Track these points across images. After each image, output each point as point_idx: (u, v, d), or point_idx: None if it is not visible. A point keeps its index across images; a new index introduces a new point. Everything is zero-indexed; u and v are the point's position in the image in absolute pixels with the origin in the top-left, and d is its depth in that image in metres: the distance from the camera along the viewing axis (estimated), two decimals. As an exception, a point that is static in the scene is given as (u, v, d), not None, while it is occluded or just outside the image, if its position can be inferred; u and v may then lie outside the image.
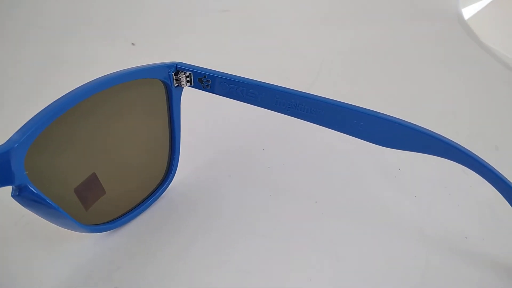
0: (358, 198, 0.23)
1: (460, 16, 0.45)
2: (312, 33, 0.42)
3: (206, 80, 0.21)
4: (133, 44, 0.40)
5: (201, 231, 0.21)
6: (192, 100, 0.24)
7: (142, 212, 0.22)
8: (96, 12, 0.45)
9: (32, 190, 0.15)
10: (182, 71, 0.21)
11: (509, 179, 0.23)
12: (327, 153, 0.26)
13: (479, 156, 0.18)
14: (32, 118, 0.15)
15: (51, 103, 0.16)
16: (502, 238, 0.20)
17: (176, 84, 0.21)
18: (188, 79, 0.21)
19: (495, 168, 0.18)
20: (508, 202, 0.18)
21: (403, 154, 0.24)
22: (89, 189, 0.19)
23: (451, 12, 0.46)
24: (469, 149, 0.26)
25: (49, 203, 0.16)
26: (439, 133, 0.18)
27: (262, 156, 0.26)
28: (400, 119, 0.18)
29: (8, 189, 0.14)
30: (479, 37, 0.42)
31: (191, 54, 0.38)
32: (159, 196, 0.22)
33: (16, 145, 0.14)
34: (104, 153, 0.20)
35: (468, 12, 0.45)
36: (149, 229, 0.21)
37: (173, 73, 0.21)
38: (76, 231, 0.19)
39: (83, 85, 0.17)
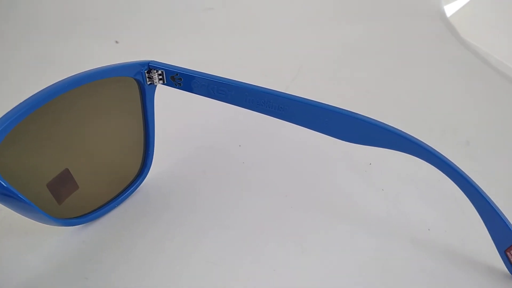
0: (327, 192, 0.24)
1: (442, 14, 0.46)
2: (296, 32, 0.43)
3: (178, 78, 0.22)
4: (116, 42, 0.41)
5: (174, 224, 0.21)
6: (171, 98, 0.24)
7: (116, 206, 0.22)
8: (81, 10, 0.45)
9: (2, 184, 0.16)
10: (154, 69, 0.22)
11: (477, 173, 0.24)
12: (301, 149, 0.27)
13: (444, 153, 0.19)
14: (4, 114, 0.16)
15: (24, 100, 0.17)
16: (464, 230, 0.21)
17: (149, 82, 0.22)
18: (160, 77, 0.22)
19: (456, 164, 0.18)
20: (466, 196, 0.19)
21: (375, 150, 0.25)
22: (62, 184, 0.20)
23: (433, 9, 0.47)
24: (441, 143, 0.27)
25: (20, 197, 0.16)
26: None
27: (238, 152, 0.27)
28: (364, 116, 0.19)
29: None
30: (460, 34, 0.43)
31: (175, 51, 0.39)
32: (134, 191, 0.23)
33: (-14, 141, 0.15)
34: (78, 149, 0.20)
35: (450, 10, 0.46)
36: (123, 223, 0.21)
37: (145, 71, 0.21)
38: (49, 224, 0.19)
39: (55, 83, 0.18)
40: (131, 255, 0.20)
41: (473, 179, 0.18)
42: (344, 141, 0.20)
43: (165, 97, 0.24)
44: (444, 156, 0.18)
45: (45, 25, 0.43)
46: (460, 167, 0.19)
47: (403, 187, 0.24)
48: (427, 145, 0.18)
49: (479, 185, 0.19)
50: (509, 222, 0.18)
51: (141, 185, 0.24)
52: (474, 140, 0.28)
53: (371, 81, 0.36)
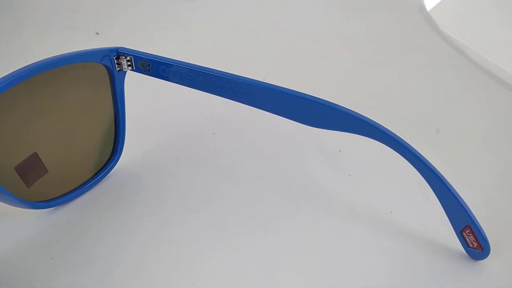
0: (295, 177, 0.24)
1: (422, 7, 0.46)
2: (275, 24, 0.44)
3: (147, 64, 0.22)
4: (97, 33, 0.41)
5: (144, 209, 0.22)
6: (147, 86, 0.25)
7: (86, 191, 0.23)
8: (61, 2, 0.46)
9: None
10: (123, 55, 0.22)
11: (443, 159, 0.25)
12: (274, 137, 0.28)
13: (412, 140, 0.19)
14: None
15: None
16: (425, 213, 0.22)
17: (118, 68, 0.22)
18: (129, 63, 0.22)
19: (417, 150, 0.19)
20: (423, 177, 0.19)
21: (345, 138, 0.26)
22: (30, 168, 0.20)
23: (413, 3, 0.47)
24: (411, 132, 0.28)
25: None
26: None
27: (211, 140, 0.27)
28: (324, 101, 0.20)
29: None
30: (439, 27, 0.44)
31: (156, 43, 0.39)
32: (105, 176, 0.24)
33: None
34: (47, 134, 0.21)
35: (430, 3, 0.47)
36: (93, 207, 0.22)
37: (114, 57, 0.22)
38: (17, 207, 0.20)
39: (23, 67, 0.18)
40: (99, 237, 0.20)
41: (435, 164, 0.19)
42: (319, 129, 0.20)
43: (140, 85, 0.25)
44: (403, 140, 0.19)
45: (25, 17, 0.43)
46: (428, 154, 0.19)
47: (370, 173, 0.25)
48: (385, 128, 0.19)
49: (445, 171, 0.19)
50: (465, 203, 0.19)
51: (112, 171, 0.24)
52: (444, 129, 0.29)
53: (347, 72, 0.36)
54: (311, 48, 0.40)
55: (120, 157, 0.24)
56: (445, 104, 0.32)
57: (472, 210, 0.19)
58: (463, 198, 0.19)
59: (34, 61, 0.19)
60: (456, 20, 0.44)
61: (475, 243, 0.19)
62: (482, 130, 0.29)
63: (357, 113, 0.19)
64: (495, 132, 0.29)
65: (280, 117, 0.20)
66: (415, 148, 0.19)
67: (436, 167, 0.19)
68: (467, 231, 0.19)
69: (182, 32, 0.42)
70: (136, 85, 0.29)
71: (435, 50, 0.40)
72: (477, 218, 0.19)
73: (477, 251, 0.19)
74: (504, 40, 0.39)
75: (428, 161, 0.19)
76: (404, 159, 0.19)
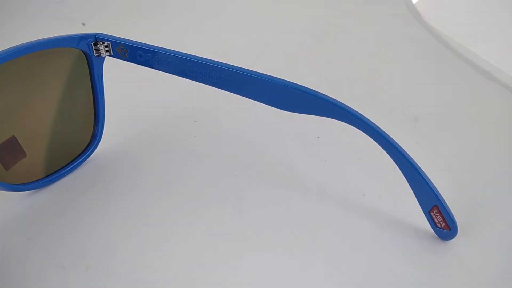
0: (273, 162, 0.25)
1: (408, -1, 0.47)
2: (259, 15, 0.44)
3: (124, 50, 0.22)
4: (83, 24, 0.41)
5: (121, 193, 0.22)
6: (129, 73, 0.25)
7: (65, 175, 0.23)
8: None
9: None
10: (101, 41, 0.22)
11: (419, 145, 0.25)
12: (255, 124, 0.28)
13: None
14: None
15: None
16: (397, 196, 0.22)
17: (96, 54, 0.23)
18: (107, 48, 0.23)
19: (388, 134, 0.19)
20: (392, 159, 0.20)
21: (324, 125, 0.26)
22: (8, 151, 0.21)
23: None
24: (389, 119, 0.28)
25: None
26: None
27: (192, 127, 0.28)
28: (297, 84, 0.20)
29: None
30: (423, 18, 0.44)
31: (142, 33, 0.39)
32: (83, 161, 0.24)
33: None
34: (25, 118, 0.21)
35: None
36: (70, 190, 0.22)
37: (92, 43, 0.22)
38: (-5, 189, 0.20)
39: (1, 51, 0.19)
40: (75, 219, 0.21)
41: (410, 149, 0.19)
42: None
43: (123, 72, 0.25)
44: (372, 122, 0.19)
45: (10, 7, 0.43)
46: (405, 140, 0.20)
47: (346, 158, 0.25)
48: (356, 111, 0.19)
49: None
50: (432, 184, 0.19)
51: (91, 156, 0.24)
52: (422, 116, 0.30)
53: (329, 62, 0.37)
54: (295, 38, 0.40)
55: (99, 142, 0.25)
56: (425, 93, 0.33)
57: (444, 193, 0.19)
58: (436, 181, 0.19)
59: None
60: (441, 12, 0.44)
61: (442, 223, 0.20)
62: (459, 118, 0.30)
63: (327, 96, 0.20)
64: (471, 120, 0.30)
65: (261, 104, 0.21)
66: (393, 134, 0.19)
67: (408, 151, 0.19)
68: (434, 211, 0.19)
69: (167, 23, 0.42)
70: (119, 72, 0.30)
71: (419, 41, 0.40)
72: (448, 200, 0.19)
73: (444, 231, 0.20)
74: (487, 31, 0.39)
75: (396, 143, 0.19)
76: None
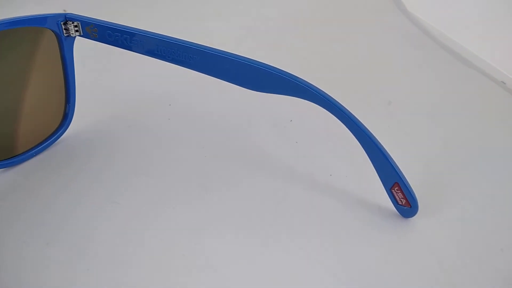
0: (243, 143, 0.25)
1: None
2: (239, 2, 0.44)
3: (93, 29, 0.23)
4: (64, 10, 0.41)
5: (93, 174, 0.23)
6: (104, 54, 0.25)
7: (35, 155, 0.24)
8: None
9: None
10: (70, 21, 0.23)
11: (391, 128, 0.26)
12: (229, 107, 0.28)
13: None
14: None
15: None
16: (364, 176, 0.23)
17: (66, 34, 0.23)
18: (76, 28, 0.23)
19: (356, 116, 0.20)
20: (355, 136, 0.20)
21: (298, 108, 0.27)
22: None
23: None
24: (363, 103, 0.28)
25: None
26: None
27: (166, 110, 0.28)
28: (262, 63, 0.20)
29: None
30: (407, 8, 0.44)
31: (124, 20, 0.40)
32: (54, 141, 0.24)
33: None
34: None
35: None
36: (40, 170, 0.23)
37: (62, 23, 0.22)
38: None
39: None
40: (44, 199, 0.21)
41: (381, 132, 0.20)
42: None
43: (99, 53, 0.25)
44: (334, 99, 0.20)
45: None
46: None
47: (317, 141, 0.26)
48: (317, 87, 0.20)
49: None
50: (393, 161, 0.19)
51: (63, 137, 0.25)
52: (396, 101, 0.30)
53: (310, 49, 0.37)
54: (274, 25, 0.40)
55: (70, 123, 0.25)
56: (402, 79, 0.33)
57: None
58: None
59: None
60: (423, 1, 0.44)
61: (403, 200, 0.20)
62: (434, 103, 0.30)
63: (291, 74, 0.20)
64: (446, 105, 0.30)
65: (237, 88, 0.21)
66: (364, 117, 0.20)
67: (377, 134, 0.19)
68: (395, 188, 0.20)
69: (151, 11, 0.42)
70: (95, 53, 0.30)
71: (400, 30, 0.40)
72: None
73: (405, 208, 0.20)
74: (468, 19, 0.39)
75: (358, 120, 0.20)
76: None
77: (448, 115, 0.29)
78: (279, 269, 0.18)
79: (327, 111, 0.20)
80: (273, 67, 0.20)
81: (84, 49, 0.25)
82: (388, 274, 0.18)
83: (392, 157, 0.19)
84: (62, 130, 0.25)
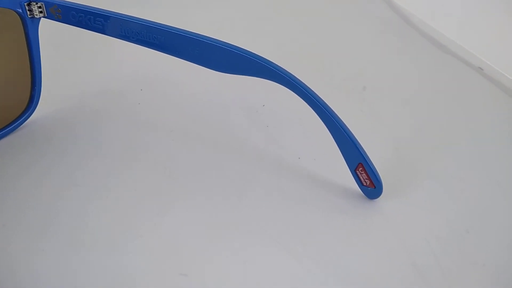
0: (212, 127, 0.25)
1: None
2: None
3: (57, 10, 0.22)
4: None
5: (54, 156, 0.23)
6: (73, 38, 0.25)
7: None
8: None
9: None
10: (34, 2, 0.22)
11: (364, 112, 0.26)
12: (202, 93, 0.28)
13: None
14: None
15: None
16: (332, 159, 0.23)
17: (30, 15, 0.22)
18: (40, 9, 0.22)
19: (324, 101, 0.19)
20: (320, 118, 0.20)
21: (271, 94, 0.27)
22: None
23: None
24: (338, 88, 0.28)
25: None
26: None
27: (137, 95, 0.28)
28: (229, 44, 0.20)
29: None
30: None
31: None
32: (19, 126, 0.24)
33: None
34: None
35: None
36: (2, 154, 0.22)
37: (25, 4, 0.22)
38: None
39: None
40: (3, 182, 0.21)
41: (354, 116, 0.20)
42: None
43: (69, 37, 0.25)
44: (298, 79, 0.20)
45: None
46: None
47: (288, 125, 0.25)
48: (286, 70, 0.20)
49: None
50: (357, 142, 0.19)
51: (29, 121, 0.24)
52: (371, 87, 0.30)
53: (287, 35, 0.37)
54: (255, 12, 0.40)
55: (36, 107, 0.25)
56: (379, 66, 0.33)
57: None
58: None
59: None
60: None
61: (367, 180, 0.20)
62: (409, 89, 0.30)
63: (257, 55, 0.20)
64: (421, 90, 0.30)
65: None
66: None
67: (349, 118, 0.19)
68: (360, 169, 0.20)
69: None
70: (67, 38, 0.30)
71: (380, 17, 0.40)
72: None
73: (369, 188, 0.20)
74: (447, 6, 0.39)
75: (322, 100, 0.19)
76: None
77: (423, 100, 0.29)
78: (238, 251, 0.18)
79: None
80: (239, 47, 0.20)
81: (55, 33, 0.25)
82: (351, 256, 0.18)
83: (362, 140, 0.19)
84: (27, 114, 0.24)
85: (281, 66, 0.19)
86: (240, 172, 0.22)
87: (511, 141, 0.25)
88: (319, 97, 0.19)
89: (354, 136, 0.19)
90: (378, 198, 0.20)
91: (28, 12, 0.22)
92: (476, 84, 0.31)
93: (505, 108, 0.28)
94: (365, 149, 0.19)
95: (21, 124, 0.24)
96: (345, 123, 0.19)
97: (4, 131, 0.24)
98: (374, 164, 0.19)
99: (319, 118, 0.24)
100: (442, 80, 0.31)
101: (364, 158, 0.19)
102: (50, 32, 0.24)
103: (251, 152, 0.23)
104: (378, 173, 0.20)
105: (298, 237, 0.19)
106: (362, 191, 0.21)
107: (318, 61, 0.33)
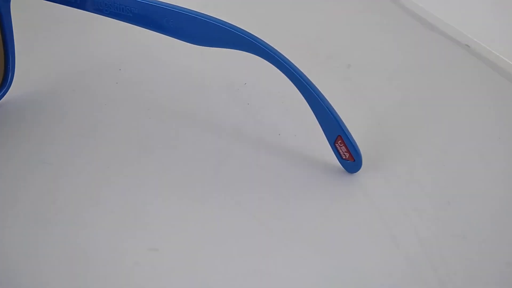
0: (192, 105, 0.24)
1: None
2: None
3: (28, -14, 0.22)
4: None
5: (25, 134, 0.22)
6: (47, 18, 0.24)
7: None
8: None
9: None
10: (3, -21, 0.22)
11: (347, 90, 0.25)
12: (182, 71, 0.28)
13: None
14: None
15: None
16: (312, 135, 0.22)
17: (0, -7, 0.22)
18: (11, -14, 0.22)
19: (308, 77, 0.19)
20: (299, 89, 0.19)
21: (253, 71, 0.26)
22: None
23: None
24: (322, 66, 0.28)
25: None
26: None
27: (116, 75, 0.27)
28: (203, 14, 0.20)
29: None
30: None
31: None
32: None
33: None
34: None
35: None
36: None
37: (-7, -18, 0.21)
38: None
39: None
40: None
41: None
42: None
43: (42, 16, 0.24)
44: (277, 51, 0.19)
45: None
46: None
47: (269, 102, 0.25)
48: (264, 41, 0.19)
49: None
50: (336, 114, 0.19)
51: (1, 101, 0.24)
52: (356, 64, 0.29)
53: (273, 14, 0.36)
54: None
55: (9, 87, 0.24)
56: (365, 44, 0.32)
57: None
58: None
59: None
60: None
61: (347, 153, 0.19)
62: (395, 67, 0.29)
63: (233, 25, 0.19)
64: (407, 68, 0.29)
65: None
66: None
67: (332, 95, 0.19)
68: (339, 142, 0.19)
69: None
70: (41, 17, 0.29)
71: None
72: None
73: (348, 162, 0.20)
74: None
75: (301, 72, 0.19)
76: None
77: (408, 77, 0.28)
78: (211, 226, 0.18)
79: (284, 75, 0.19)
80: (214, 17, 0.20)
81: (29, 13, 0.24)
82: (328, 229, 0.18)
83: (345, 116, 0.19)
84: (0, 94, 0.24)
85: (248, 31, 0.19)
86: (216, 148, 0.21)
87: (496, 116, 0.25)
88: (298, 68, 0.19)
89: (333, 108, 0.19)
90: (359, 172, 0.20)
91: (-2, -10, 0.22)
92: (463, 61, 0.31)
93: (491, 83, 0.28)
94: (347, 125, 0.19)
95: (-5, 102, 0.24)
96: (325, 97, 0.19)
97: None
98: (356, 139, 0.19)
99: (302, 97, 0.24)
100: (428, 57, 0.31)
101: (343, 130, 0.19)
102: (23, 11, 0.23)
103: (229, 129, 0.23)
104: (357, 146, 0.19)
105: (274, 210, 0.18)
106: (342, 165, 0.20)
107: (303, 39, 0.32)
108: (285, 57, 0.19)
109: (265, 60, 0.19)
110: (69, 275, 0.16)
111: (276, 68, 0.19)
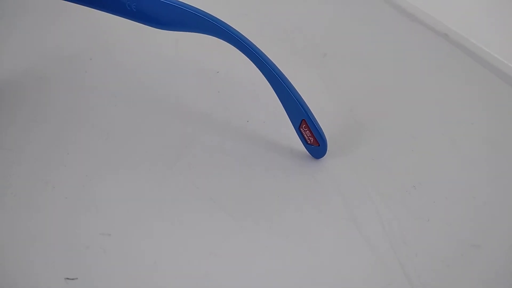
0: (161, 93, 0.25)
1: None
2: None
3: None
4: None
5: None
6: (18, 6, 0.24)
7: None
8: None
9: None
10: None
11: (319, 78, 0.25)
12: (155, 60, 0.28)
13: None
14: None
15: None
16: (283, 123, 0.22)
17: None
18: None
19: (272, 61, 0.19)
20: (264, 75, 0.19)
21: (226, 60, 0.26)
22: None
23: None
24: (299, 55, 0.28)
25: None
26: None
27: (86, 64, 0.27)
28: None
29: None
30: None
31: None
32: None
33: None
34: None
35: None
36: None
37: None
38: None
39: None
40: None
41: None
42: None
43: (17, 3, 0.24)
44: (245, 37, 0.19)
45: None
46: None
47: (240, 90, 0.25)
48: (229, 25, 0.19)
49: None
50: (300, 98, 0.19)
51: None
52: (333, 53, 0.29)
53: (251, 5, 0.36)
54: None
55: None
56: (343, 34, 0.32)
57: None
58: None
59: None
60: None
61: (311, 138, 0.19)
62: (372, 56, 0.29)
63: (197, 8, 0.19)
64: (384, 58, 0.29)
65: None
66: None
67: (306, 83, 0.19)
68: (303, 126, 0.19)
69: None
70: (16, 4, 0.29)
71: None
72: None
73: (314, 147, 0.20)
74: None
75: (266, 57, 0.19)
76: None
77: (384, 65, 0.28)
78: (169, 212, 0.17)
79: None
80: (175, 0, 0.19)
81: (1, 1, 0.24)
82: (289, 212, 0.18)
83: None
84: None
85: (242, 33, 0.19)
86: (182, 134, 0.21)
87: (471, 102, 0.25)
88: (262, 52, 0.19)
89: (297, 92, 0.19)
90: (325, 157, 0.20)
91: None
92: (440, 49, 0.31)
93: (468, 70, 0.28)
94: (318, 111, 0.19)
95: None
96: (299, 84, 0.19)
97: None
98: (325, 125, 0.19)
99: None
100: (406, 46, 0.31)
101: (307, 114, 0.19)
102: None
103: (197, 115, 0.23)
104: (322, 130, 0.19)
105: (235, 195, 0.18)
106: (308, 150, 0.20)
107: (281, 29, 0.32)
108: (249, 41, 0.19)
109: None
110: (19, 258, 0.15)
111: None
